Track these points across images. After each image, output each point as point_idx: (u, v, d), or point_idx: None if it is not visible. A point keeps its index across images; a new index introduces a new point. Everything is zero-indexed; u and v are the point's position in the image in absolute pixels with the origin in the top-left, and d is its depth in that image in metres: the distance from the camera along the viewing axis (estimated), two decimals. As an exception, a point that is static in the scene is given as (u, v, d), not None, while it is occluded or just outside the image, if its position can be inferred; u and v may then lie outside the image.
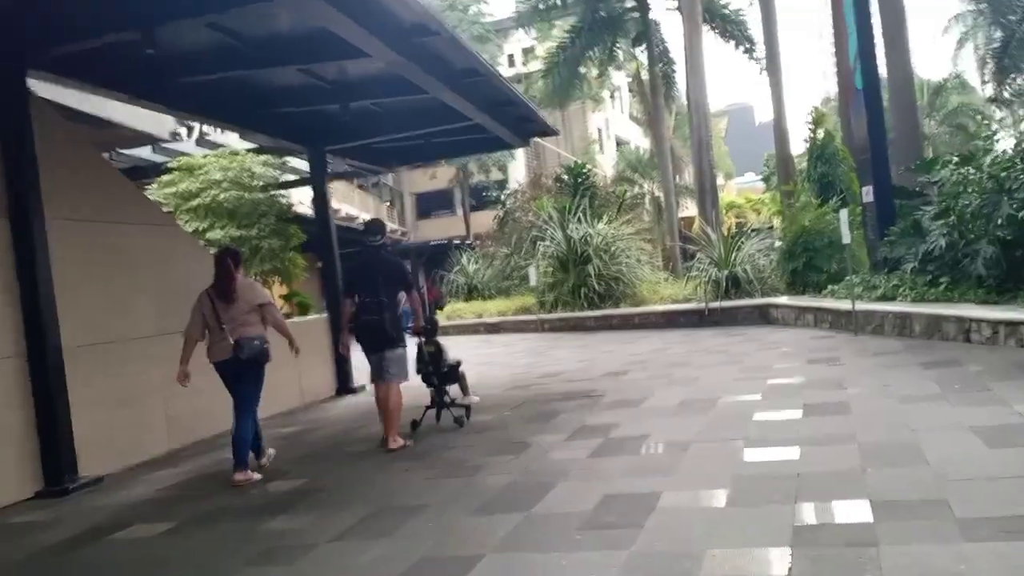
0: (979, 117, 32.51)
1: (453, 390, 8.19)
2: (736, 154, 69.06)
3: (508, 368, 12.36)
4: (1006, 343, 8.40)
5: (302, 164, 14.32)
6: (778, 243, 18.60)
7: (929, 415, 5.89)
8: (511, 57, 50.72)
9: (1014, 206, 9.49)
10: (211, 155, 16.31)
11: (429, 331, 7.92)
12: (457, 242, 35.06)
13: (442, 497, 5.29)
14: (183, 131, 17.97)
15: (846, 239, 11.19)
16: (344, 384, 11.81)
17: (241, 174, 15.19)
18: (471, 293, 31.04)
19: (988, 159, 10.62)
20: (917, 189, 13.11)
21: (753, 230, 21.08)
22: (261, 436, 6.80)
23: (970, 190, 10.44)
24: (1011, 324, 8.32)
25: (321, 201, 11.89)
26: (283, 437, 8.47)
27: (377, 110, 11.28)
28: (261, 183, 14.86)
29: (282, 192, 15.11)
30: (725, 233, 19.77)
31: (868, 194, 12.78)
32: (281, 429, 9.05)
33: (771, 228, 25.98)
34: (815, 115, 18.74)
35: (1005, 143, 11.51)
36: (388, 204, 47.86)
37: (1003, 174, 10.01)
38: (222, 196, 14.86)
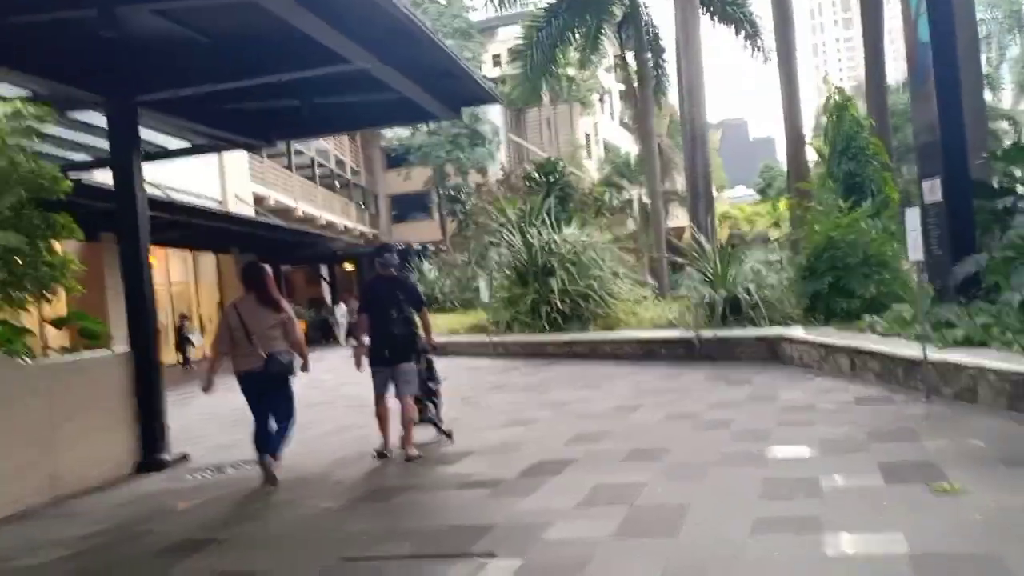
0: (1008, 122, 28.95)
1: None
2: (729, 168, 66.35)
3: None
4: None
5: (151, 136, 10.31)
6: (778, 255, 14.81)
7: None
8: (496, 57, 47.66)
9: None
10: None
11: (435, 349, 8.24)
12: (419, 247, 31.23)
13: None
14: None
15: (915, 253, 7.25)
16: (152, 454, 7.85)
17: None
18: (431, 305, 27.44)
19: None
20: (1005, 185, 9.22)
21: (753, 239, 17.31)
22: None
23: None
24: None
25: (126, 182, 7.85)
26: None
27: (206, 42, 7.40)
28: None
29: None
30: (721, 243, 15.94)
31: (933, 191, 8.85)
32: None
33: (767, 241, 22.20)
34: (838, 98, 14.91)
35: None
36: (359, 206, 44.18)
37: None
38: None
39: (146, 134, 9.71)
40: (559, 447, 6.89)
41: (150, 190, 17.65)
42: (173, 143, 10.55)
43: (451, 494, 5.75)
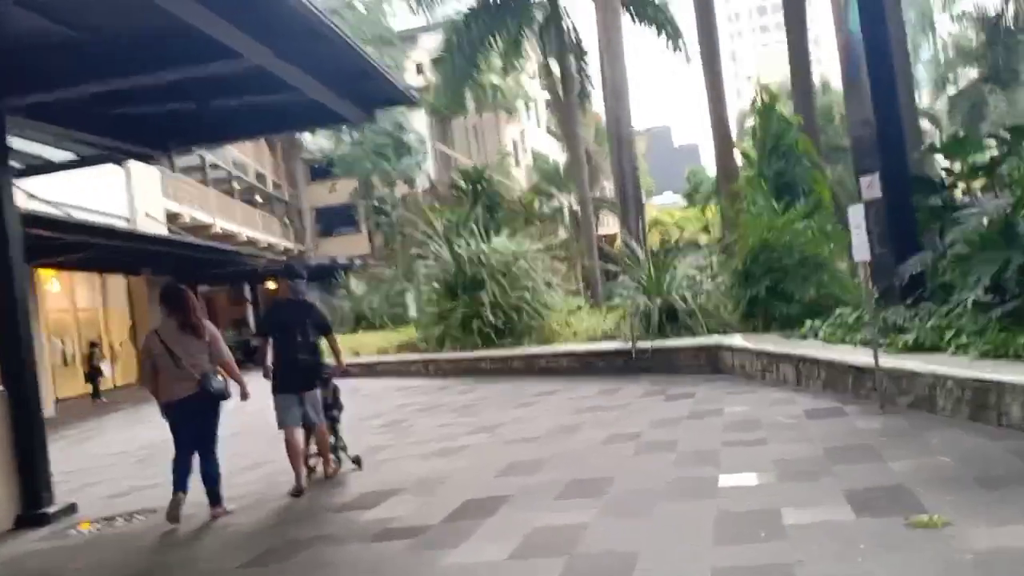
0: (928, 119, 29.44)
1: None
2: (656, 174, 66.75)
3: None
4: None
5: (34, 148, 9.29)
6: (708, 260, 14.46)
7: None
8: (419, 66, 46.83)
9: None
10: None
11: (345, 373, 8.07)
12: (344, 262, 30.21)
13: None
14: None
15: (861, 253, 6.79)
16: (34, 507, 6.90)
17: None
18: (359, 322, 26.59)
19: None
20: (941, 180, 8.88)
21: (684, 245, 16.96)
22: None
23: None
24: None
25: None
26: None
27: (78, 38, 6.53)
28: None
29: None
30: (653, 249, 15.50)
31: (872, 187, 8.45)
32: None
33: (697, 246, 22.01)
34: (765, 96, 14.63)
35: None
36: (283, 221, 42.83)
37: None
38: None
39: (23, 144, 8.74)
40: (491, 480, 6.21)
41: (46, 208, 16.49)
42: (59, 155, 9.55)
43: (366, 548, 4.97)
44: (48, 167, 9.68)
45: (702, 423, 7.46)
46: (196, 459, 6.40)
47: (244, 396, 6.62)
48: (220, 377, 6.44)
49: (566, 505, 5.21)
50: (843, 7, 9.48)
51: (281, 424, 6.98)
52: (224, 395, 6.44)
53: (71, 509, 7.21)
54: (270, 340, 7.17)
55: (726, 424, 7.22)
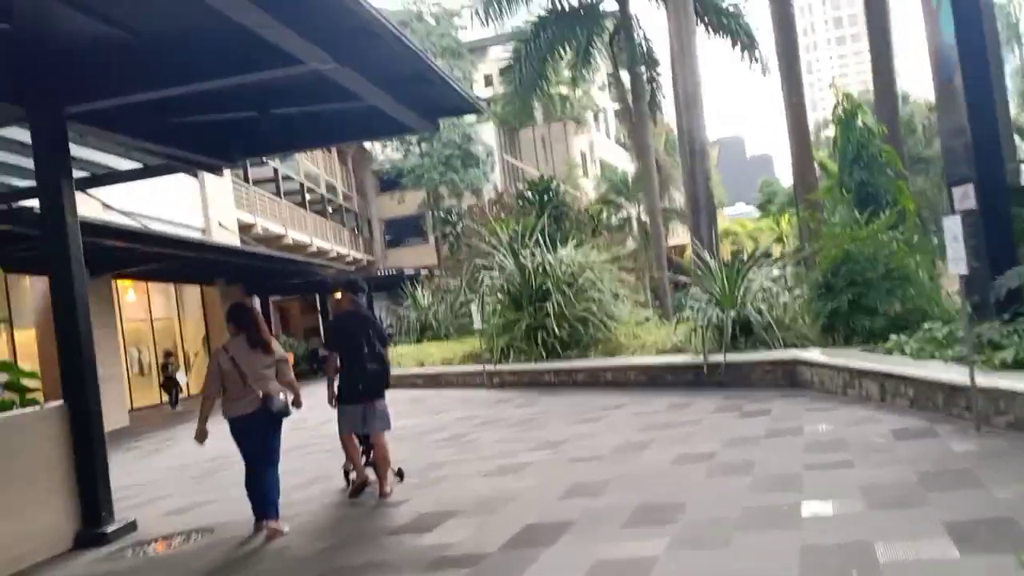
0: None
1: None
2: (727, 186, 65.69)
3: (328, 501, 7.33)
4: None
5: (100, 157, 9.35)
6: (782, 272, 13.88)
7: None
8: (488, 77, 47.03)
9: None
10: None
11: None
12: (410, 272, 30.25)
13: None
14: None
15: (958, 266, 6.26)
16: (93, 525, 6.83)
17: None
18: (424, 332, 26.50)
19: None
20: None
21: (764, 255, 16.31)
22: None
23: None
24: None
25: (54, 207, 6.84)
26: None
27: (137, 44, 6.49)
28: None
29: None
30: (727, 260, 14.97)
31: (966, 197, 7.85)
32: None
33: (770, 257, 21.28)
34: (847, 104, 13.98)
35: None
36: (352, 232, 43.38)
37: None
38: None
39: (87, 153, 8.79)
40: (553, 503, 5.88)
41: (122, 219, 16.84)
42: (125, 165, 9.62)
43: (420, 577, 4.71)
44: (112, 176, 9.74)
45: (780, 442, 7.00)
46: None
47: (298, 404, 6.73)
48: (283, 396, 6.50)
49: (634, 534, 4.84)
50: (935, 11, 8.91)
51: (342, 431, 7.15)
52: (286, 413, 6.52)
53: (131, 527, 7.09)
54: (336, 354, 7.28)
55: (807, 444, 6.75)
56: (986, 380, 6.37)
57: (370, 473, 7.30)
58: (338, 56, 6.36)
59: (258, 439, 6.41)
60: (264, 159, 28.20)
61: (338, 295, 7.91)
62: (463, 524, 5.67)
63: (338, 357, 7.23)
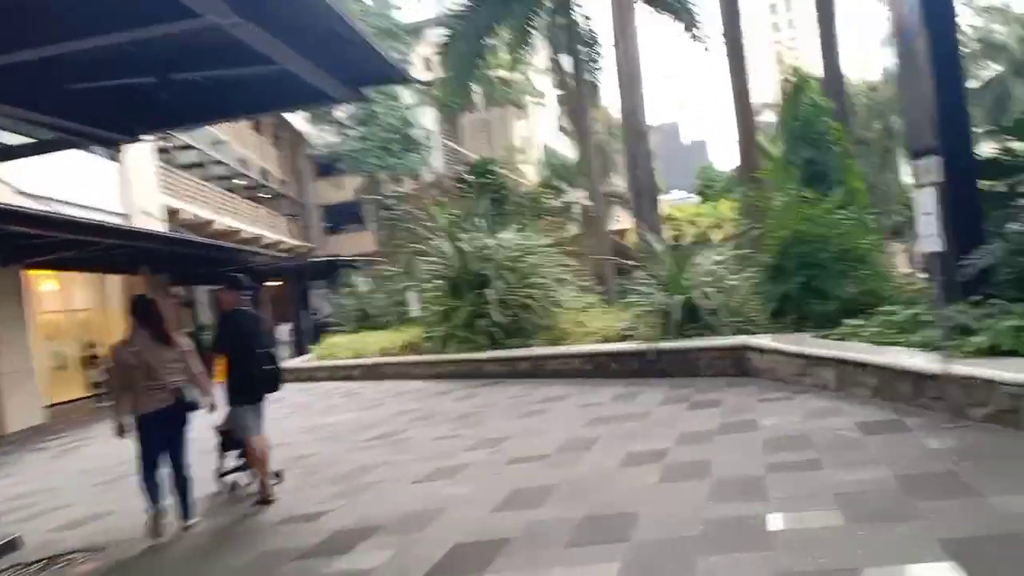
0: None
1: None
2: (664, 172, 65.86)
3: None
4: None
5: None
6: (723, 256, 13.44)
7: None
8: (427, 60, 45.89)
9: None
10: None
11: None
12: (344, 260, 29.31)
13: None
14: None
15: (931, 243, 5.73)
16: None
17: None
18: (364, 321, 25.62)
19: None
20: (1014, 162, 7.77)
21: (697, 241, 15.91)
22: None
23: None
24: None
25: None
26: None
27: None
28: None
29: None
30: (671, 242, 14.49)
31: (928, 171, 7.33)
32: None
33: (709, 242, 20.92)
34: (795, 79, 13.57)
35: None
36: (289, 217, 42.10)
37: None
38: None
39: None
40: (487, 516, 5.20)
41: (33, 204, 15.58)
42: (14, 140, 8.60)
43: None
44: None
45: (737, 438, 6.45)
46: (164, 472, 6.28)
47: (213, 408, 6.55)
48: (191, 389, 6.40)
49: (579, 556, 4.20)
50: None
51: (251, 432, 6.86)
52: (196, 406, 6.41)
53: (10, 546, 6.25)
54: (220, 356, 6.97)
55: (766, 440, 6.20)
56: (962, 368, 5.89)
57: (242, 477, 7.17)
58: (241, 9, 5.54)
59: (168, 434, 6.31)
60: (174, 134, 26.75)
61: (221, 294, 7.20)
62: (383, 544, 4.96)
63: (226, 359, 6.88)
